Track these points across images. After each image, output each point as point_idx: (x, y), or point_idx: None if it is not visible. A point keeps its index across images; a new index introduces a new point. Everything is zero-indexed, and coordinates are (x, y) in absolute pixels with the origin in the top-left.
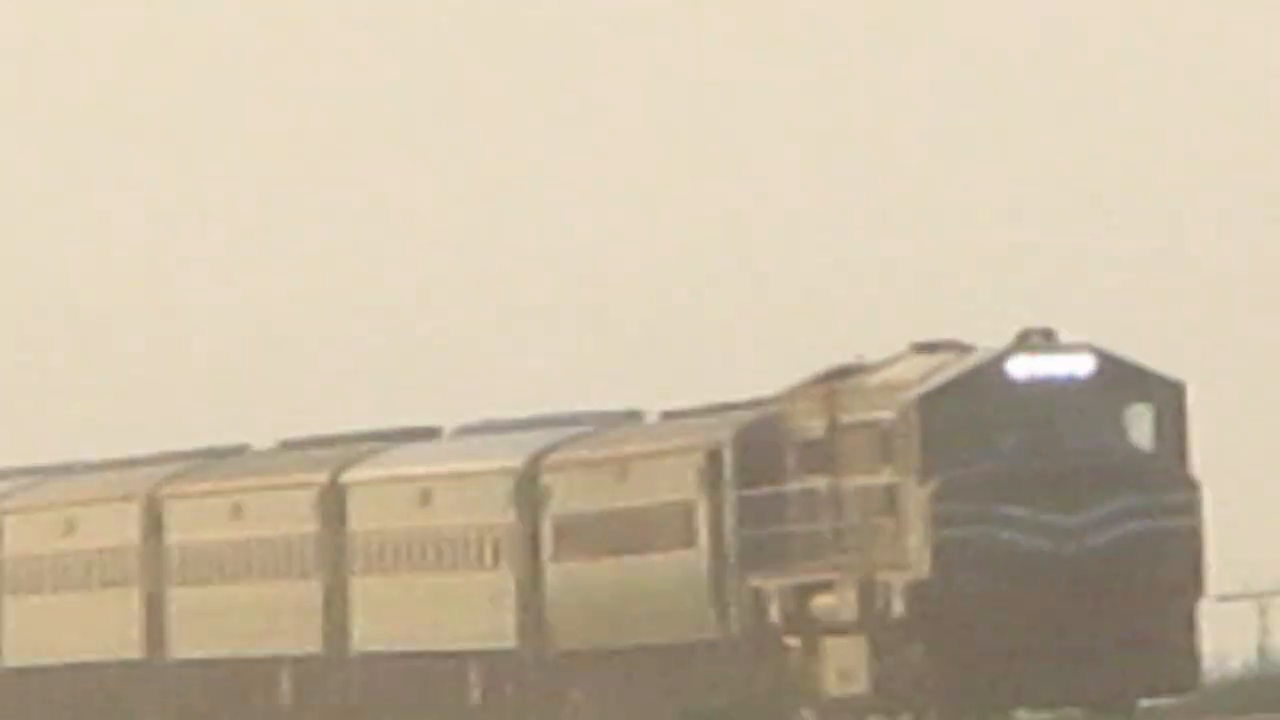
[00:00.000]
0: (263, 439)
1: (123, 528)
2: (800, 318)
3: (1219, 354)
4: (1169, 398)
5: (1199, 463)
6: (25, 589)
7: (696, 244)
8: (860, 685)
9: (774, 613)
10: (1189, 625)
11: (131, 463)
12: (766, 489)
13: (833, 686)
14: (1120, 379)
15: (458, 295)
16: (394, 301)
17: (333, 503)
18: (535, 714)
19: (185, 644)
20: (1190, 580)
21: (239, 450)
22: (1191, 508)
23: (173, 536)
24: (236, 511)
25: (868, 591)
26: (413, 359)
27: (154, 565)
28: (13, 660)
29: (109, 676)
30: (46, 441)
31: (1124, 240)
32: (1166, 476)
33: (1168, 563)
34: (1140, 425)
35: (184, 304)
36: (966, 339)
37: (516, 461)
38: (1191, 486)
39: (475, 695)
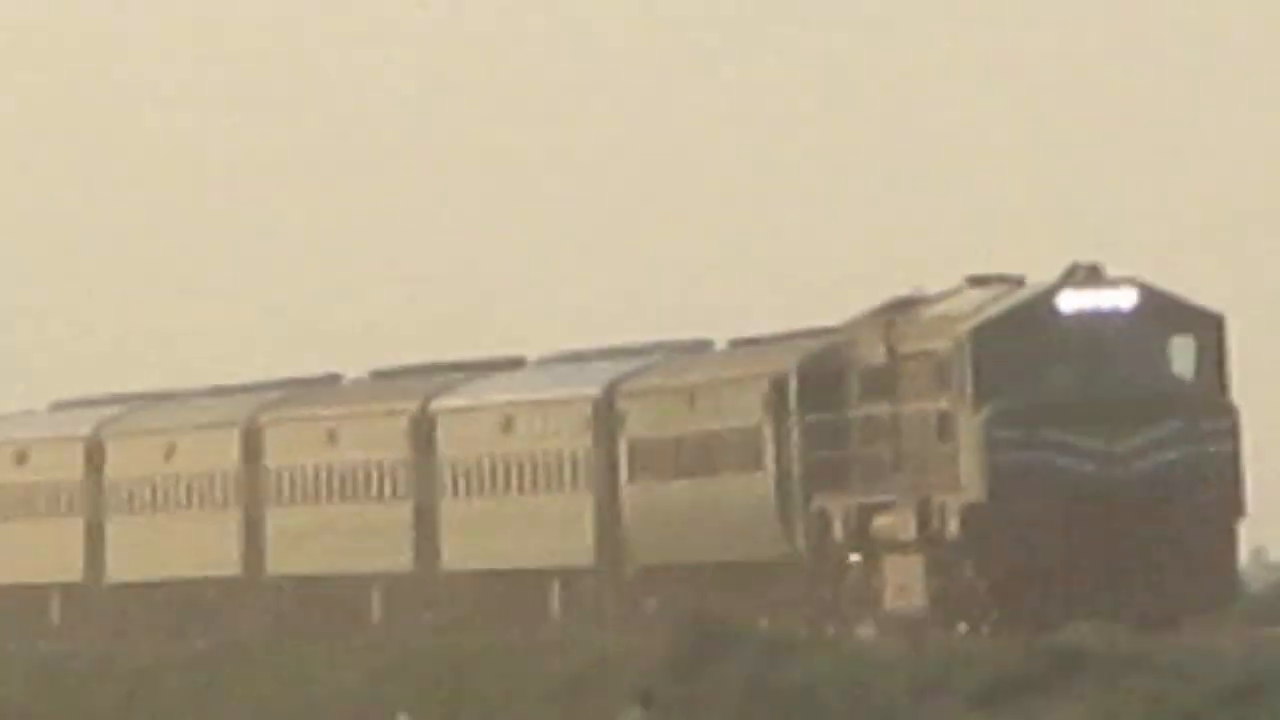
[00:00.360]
0: (356, 370)
1: (223, 452)
2: (863, 251)
3: (1257, 286)
4: (1209, 329)
5: (1237, 391)
6: (128, 510)
7: (765, 180)
8: (917, 600)
9: (837, 531)
10: (1229, 544)
11: (231, 391)
12: (829, 414)
13: (891, 601)
14: (1163, 312)
15: (542, 234)
16: (482, 240)
17: (423, 429)
18: (612, 627)
19: (281, 562)
20: (1230, 502)
21: (333, 379)
22: (1231, 434)
23: (270, 461)
24: (331, 438)
25: (925, 512)
26: (498, 293)
27: (252, 488)
28: (117, 577)
29: (208, 592)
30: (150, 370)
31: (1170, 177)
32: (1207, 404)
33: (1208, 486)
34: (1182, 356)
35: (282, 240)
36: (1015, 270)
37: (594, 389)
38: (1230, 413)
39: (556, 609)
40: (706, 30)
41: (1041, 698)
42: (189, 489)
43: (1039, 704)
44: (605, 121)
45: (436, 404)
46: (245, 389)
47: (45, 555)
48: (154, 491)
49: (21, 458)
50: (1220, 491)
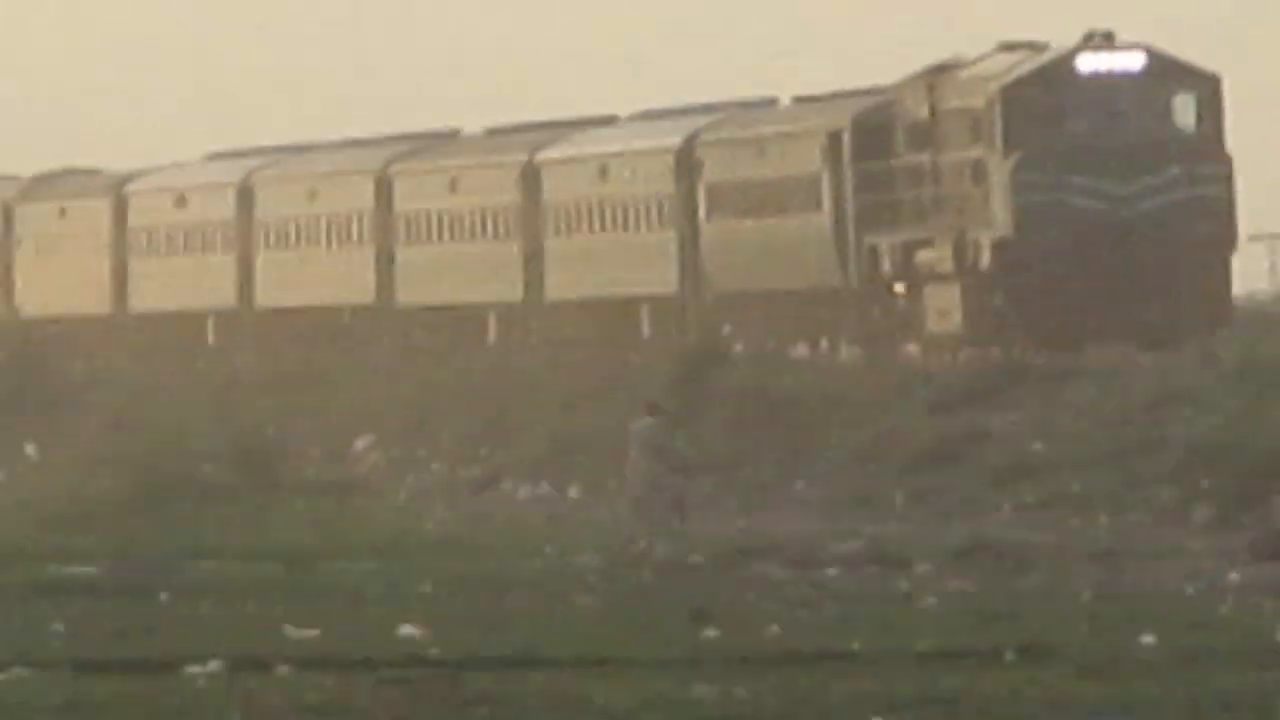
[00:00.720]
0: (473, 126)
1: (358, 197)
2: (911, 21)
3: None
4: (1207, 88)
5: (1231, 141)
6: (275, 245)
7: None
8: (954, 324)
9: (885, 265)
10: (1224, 273)
11: (366, 144)
12: (879, 163)
13: (932, 325)
14: (1167, 72)
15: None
16: (579, 16)
17: (530, 178)
18: (693, 344)
19: (410, 292)
20: (1223, 237)
21: (453, 134)
22: (1225, 178)
23: (400, 205)
24: (453, 185)
25: (961, 247)
26: (593, 55)
27: (384, 228)
28: (265, 302)
29: (345, 318)
30: (291, 123)
31: None
32: (1204, 153)
33: (1205, 223)
34: (1184, 111)
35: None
36: (1042, 38)
37: (676, 140)
38: (1225, 161)
39: (646, 331)
40: None
41: (987, 405)
42: (329, 228)
43: (985, 410)
44: None
45: (541, 156)
46: (378, 141)
47: (203, 285)
48: (298, 230)
49: (181, 201)
50: (1215, 228)
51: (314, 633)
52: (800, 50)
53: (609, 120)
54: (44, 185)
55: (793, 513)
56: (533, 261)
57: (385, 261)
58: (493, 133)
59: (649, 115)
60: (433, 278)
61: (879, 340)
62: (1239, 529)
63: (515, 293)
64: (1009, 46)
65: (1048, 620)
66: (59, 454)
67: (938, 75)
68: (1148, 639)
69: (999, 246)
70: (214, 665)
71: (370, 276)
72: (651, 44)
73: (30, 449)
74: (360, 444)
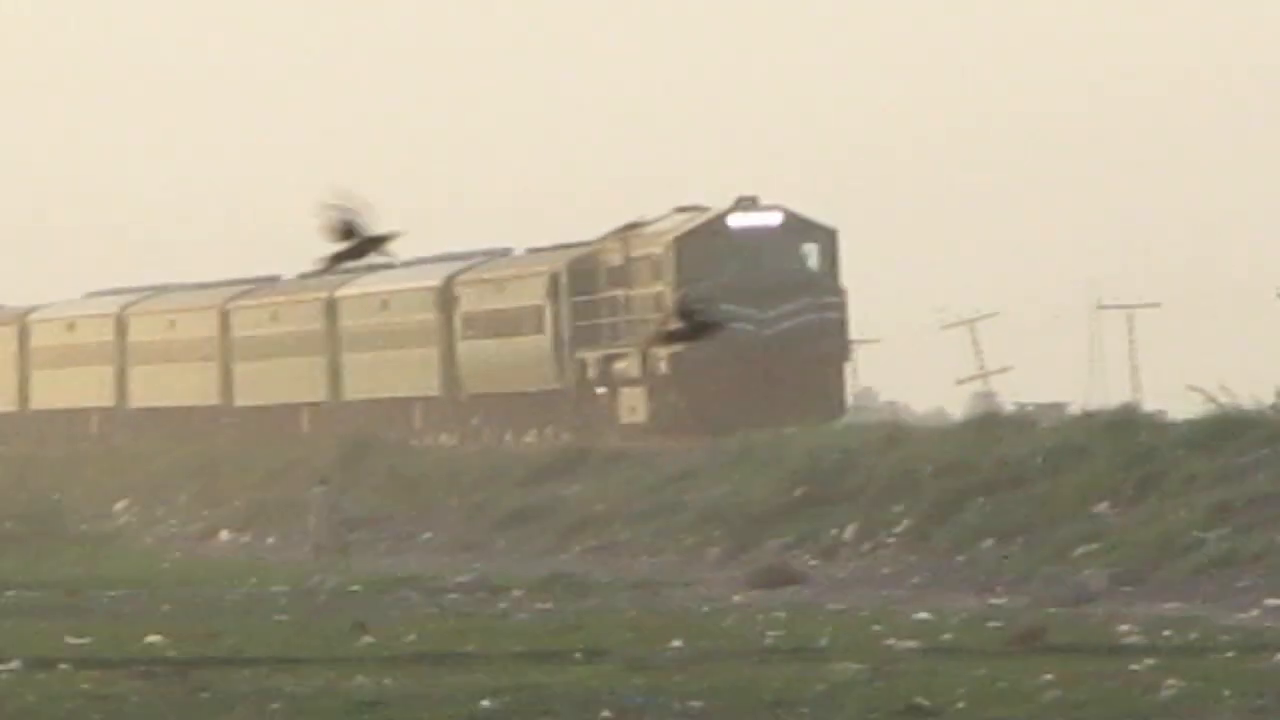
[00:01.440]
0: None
1: (207, 325)
2: (610, 188)
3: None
4: (828, 238)
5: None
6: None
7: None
8: (641, 416)
9: (591, 372)
10: (839, 377)
11: (208, 286)
12: (587, 297)
13: (625, 417)
14: (798, 226)
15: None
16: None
17: (331, 310)
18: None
19: (246, 396)
20: (840, 352)
21: (274, 279)
22: (841, 306)
23: (236, 332)
24: (274, 316)
25: (646, 359)
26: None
27: (224, 349)
28: (136, 403)
29: (192, 416)
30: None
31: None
32: (825, 288)
33: (826, 340)
34: (810, 256)
35: None
36: (707, 202)
37: (437, 281)
38: (840, 293)
39: (418, 423)
40: None
41: (561, 478)
42: (183, 349)
43: (561, 483)
44: None
45: (339, 293)
46: (221, 284)
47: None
48: (160, 350)
49: (71, 327)
50: (833, 344)
51: (86, 640)
52: (532, 209)
53: (389, 264)
54: None
55: (424, 555)
56: (333, 371)
57: (226, 373)
58: (303, 276)
59: (419, 260)
60: (263, 384)
61: (587, 428)
62: (740, 565)
63: (322, 394)
64: (681, 209)
65: (604, 630)
66: None
67: (629, 230)
68: (676, 643)
69: (673, 358)
70: (15, 664)
71: (217, 385)
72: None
73: None
74: (119, 505)
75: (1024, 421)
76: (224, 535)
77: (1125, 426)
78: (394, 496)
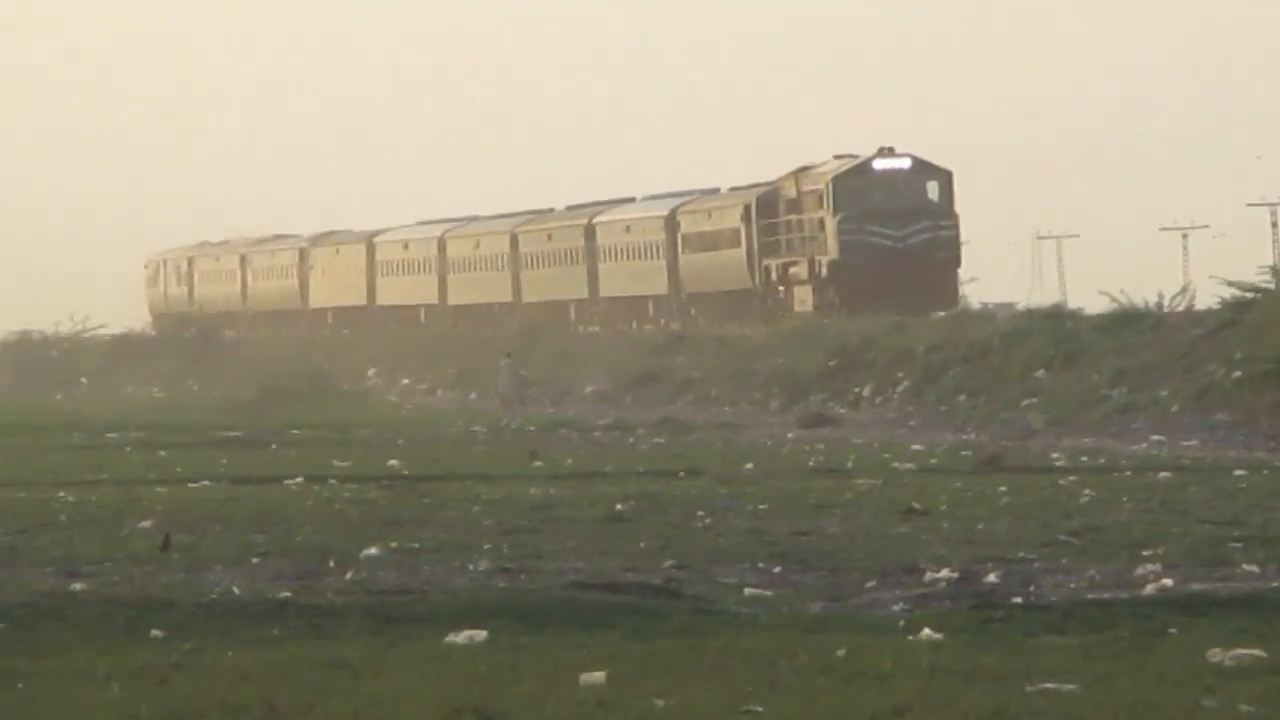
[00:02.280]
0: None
1: (499, 245)
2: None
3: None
4: (945, 177)
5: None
6: (458, 271)
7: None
8: (809, 307)
9: (773, 276)
10: (954, 278)
11: (491, 218)
12: (771, 220)
13: (797, 307)
14: (923, 168)
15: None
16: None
17: (590, 233)
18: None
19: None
20: (954, 260)
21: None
22: (955, 227)
23: (523, 249)
24: (548, 236)
25: (812, 265)
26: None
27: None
28: (452, 300)
29: (494, 310)
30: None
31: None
32: (943, 213)
33: (942, 251)
34: (932, 190)
35: None
36: (858, 150)
37: (664, 211)
38: (954, 217)
39: (651, 312)
40: None
41: (671, 355)
42: (480, 263)
43: (670, 356)
44: None
45: (597, 220)
46: (505, 216)
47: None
48: (466, 264)
49: (406, 247)
50: (949, 255)
51: (347, 463)
52: (733, 156)
53: (629, 200)
54: (326, 238)
55: (577, 405)
56: (591, 277)
57: (515, 280)
58: (569, 208)
59: (654, 197)
60: (542, 286)
61: (771, 315)
62: (792, 413)
63: (584, 293)
64: (838, 156)
65: (700, 456)
66: (217, 381)
67: (800, 172)
68: (749, 465)
69: (831, 265)
70: (299, 479)
71: (509, 288)
72: (644, 147)
73: (190, 382)
74: (370, 372)
75: (986, 315)
76: (440, 393)
77: (1056, 318)
78: (558, 366)
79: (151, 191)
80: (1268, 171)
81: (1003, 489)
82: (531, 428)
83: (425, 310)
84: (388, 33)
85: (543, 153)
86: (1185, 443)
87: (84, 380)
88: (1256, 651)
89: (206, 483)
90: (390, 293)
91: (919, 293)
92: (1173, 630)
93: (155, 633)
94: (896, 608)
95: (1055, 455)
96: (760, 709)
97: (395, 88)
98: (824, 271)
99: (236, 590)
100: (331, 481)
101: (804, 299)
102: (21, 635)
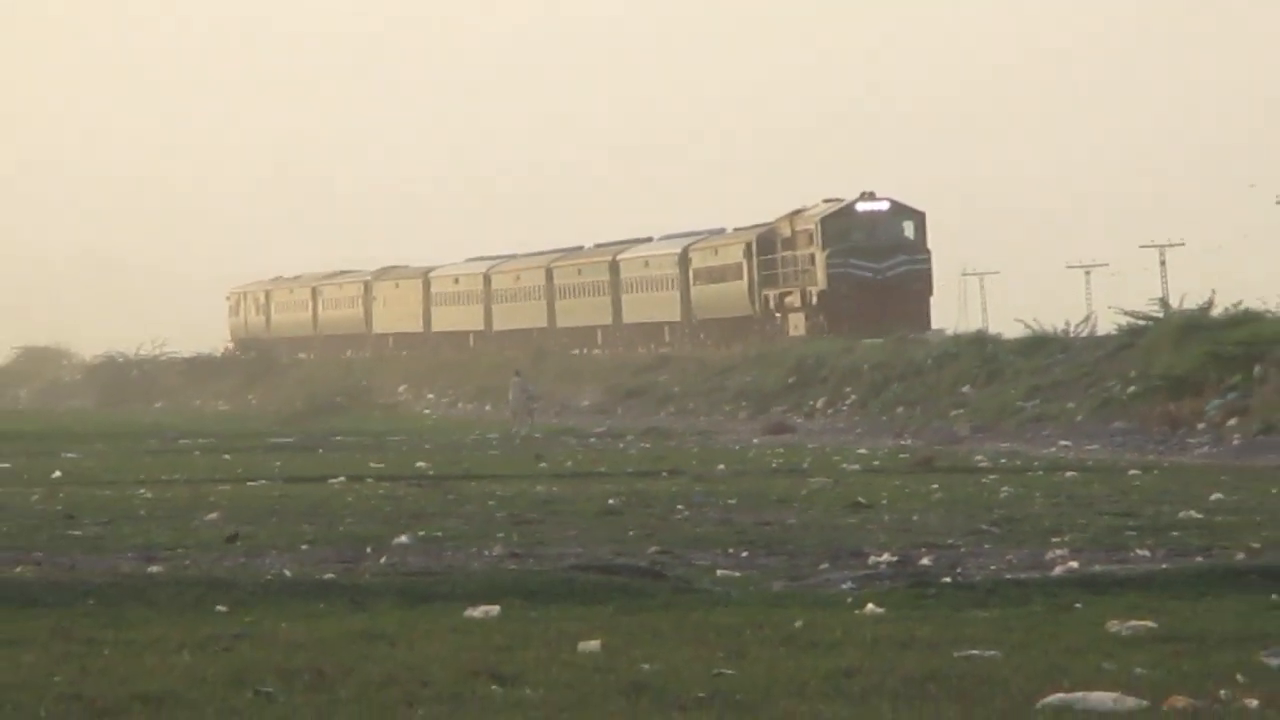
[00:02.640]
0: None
1: (535, 277)
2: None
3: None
4: (919, 218)
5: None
6: (500, 301)
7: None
8: (802, 331)
9: (771, 304)
10: (926, 305)
11: (534, 254)
12: (770, 256)
13: (791, 332)
14: (899, 210)
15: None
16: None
17: (614, 270)
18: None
19: (566, 319)
20: (926, 290)
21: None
22: (926, 261)
23: (558, 282)
24: (593, 269)
25: (804, 294)
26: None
27: (549, 293)
28: (497, 327)
29: (532, 336)
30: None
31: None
32: (917, 249)
33: (917, 283)
34: (907, 229)
35: None
36: (843, 195)
37: (678, 250)
38: (926, 253)
39: (666, 337)
40: None
41: (656, 373)
42: (516, 295)
43: (656, 374)
44: None
45: (620, 257)
46: (542, 253)
47: (468, 320)
48: (507, 295)
49: (455, 281)
50: (922, 285)
51: (381, 465)
52: (735, 202)
53: (648, 239)
54: (386, 274)
55: (576, 416)
56: (615, 306)
57: (551, 307)
58: (597, 246)
59: (669, 237)
60: (574, 314)
61: (768, 339)
62: (757, 422)
63: (609, 320)
64: (826, 200)
65: (680, 458)
66: (273, 396)
67: (794, 214)
68: (721, 466)
69: (821, 294)
70: (341, 478)
71: (545, 315)
72: (661, 193)
73: (250, 397)
74: (401, 388)
75: (921, 339)
76: (460, 405)
77: (979, 342)
78: (559, 383)
79: (232, 232)
80: (1159, 216)
81: (935, 486)
82: (537, 435)
83: (473, 335)
84: (438, 99)
85: (573, 199)
86: (1088, 447)
87: (159, 400)
88: (1149, 623)
89: (263, 481)
90: (443, 320)
91: (896, 318)
92: (1078, 605)
93: (220, 608)
94: (845, 586)
95: (979, 457)
96: (730, 672)
97: (446, 143)
98: (814, 300)
99: (288, 572)
100: (368, 480)
101: (797, 324)
102: (108, 610)
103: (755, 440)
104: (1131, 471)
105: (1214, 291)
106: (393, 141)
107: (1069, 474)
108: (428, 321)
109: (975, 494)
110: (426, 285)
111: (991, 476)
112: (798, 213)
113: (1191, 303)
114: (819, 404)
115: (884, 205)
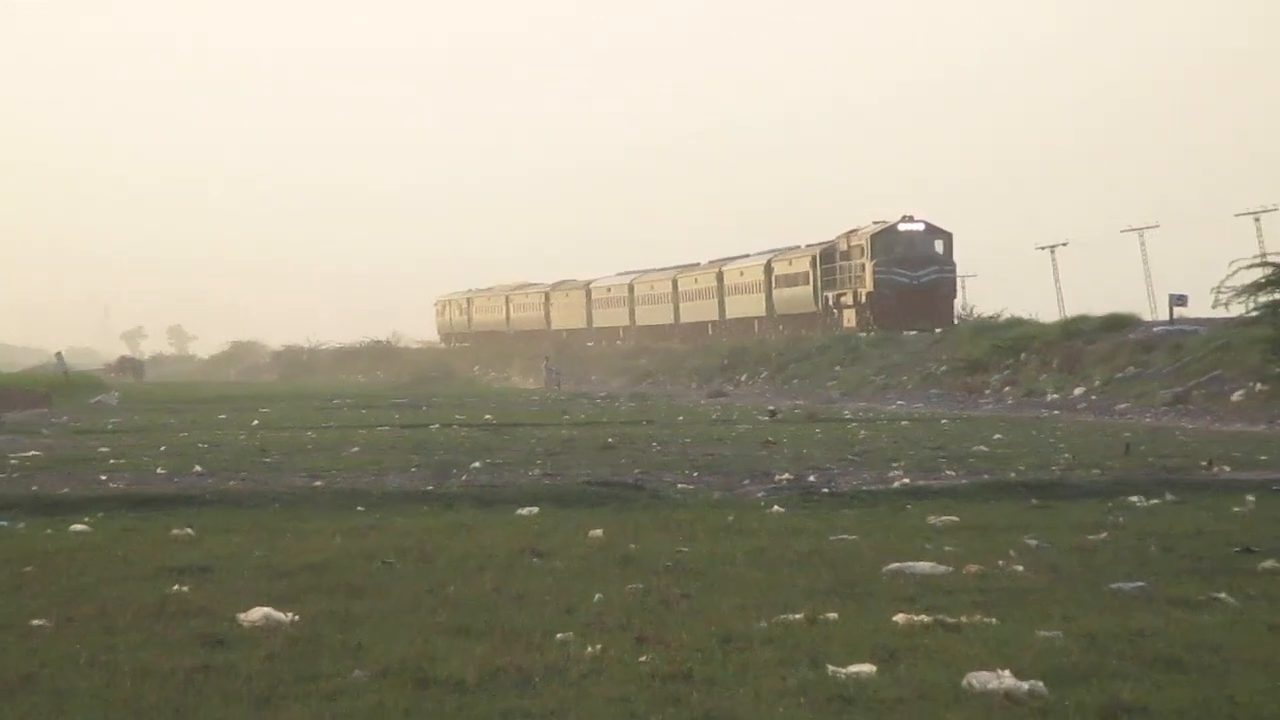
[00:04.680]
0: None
1: (665, 288)
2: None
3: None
4: (948, 237)
5: (958, 256)
6: (643, 303)
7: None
8: (853, 324)
9: (830, 303)
10: (950, 306)
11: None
12: (831, 265)
13: (844, 325)
14: (933, 230)
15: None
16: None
17: (720, 277)
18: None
19: (688, 315)
20: (951, 294)
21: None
22: (953, 271)
23: (638, 290)
24: (683, 281)
25: (856, 295)
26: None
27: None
28: (640, 322)
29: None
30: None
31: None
32: (945, 262)
33: (946, 288)
34: (938, 245)
35: None
36: (888, 218)
37: (764, 261)
38: (953, 265)
39: (756, 330)
40: None
41: (638, 358)
42: (651, 298)
43: (637, 359)
44: None
45: (725, 269)
46: (655, 270)
47: (614, 322)
48: (649, 299)
49: (611, 290)
50: (949, 290)
51: (462, 416)
52: (807, 222)
53: (744, 255)
54: (560, 286)
55: (590, 386)
56: (720, 305)
57: (676, 308)
58: (711, 262)
59: (757, 253)
60: (693, 312)
61: (827, 330)
62: (704, 389)
63: (715, 316)
64: (875, 221)
65: (653, 413)
66: (391, 371)
67: (849, 233)
68: (681, 417)
69: (868, 296)
70: (435, 426)
71: (671, 314)
72: (752, 222)
73: (379, 372)
74: (475, 368)
75: (810, 336)
76: (513, 379)
77: (846, 339)
78: (579, 363)
79: (437, 247)
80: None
81: (817, 431)
82: (563, 397)
83: (622, 330)
84: (600, 142)
85: (692, 226)
86: (916, 405)
87: (319, 375)
88: (953, 518)
89: (386, 428)
90: (601, 319)
91: (928, 316)
92: (908, 506)
93: (359, 509)
94: (759, 495)
95: (846, 412)
96: (686, 549)
97: (604, 183)
98: (864, 300)
99: (403, 486)
100: (454, 426)
101: (850, 319)
102: (288, 510)
103: (702, 401)
104: (943, 421)
105: (1005, 308)
106: (566, 180)
107: (903, 423)
108: (590, 320)
109: (843, 435)
110: (588, 294)
111: (853, 424)
112: (853, 232)
113: (988, 313)
114: (743, 378)
115: (920, 226)
